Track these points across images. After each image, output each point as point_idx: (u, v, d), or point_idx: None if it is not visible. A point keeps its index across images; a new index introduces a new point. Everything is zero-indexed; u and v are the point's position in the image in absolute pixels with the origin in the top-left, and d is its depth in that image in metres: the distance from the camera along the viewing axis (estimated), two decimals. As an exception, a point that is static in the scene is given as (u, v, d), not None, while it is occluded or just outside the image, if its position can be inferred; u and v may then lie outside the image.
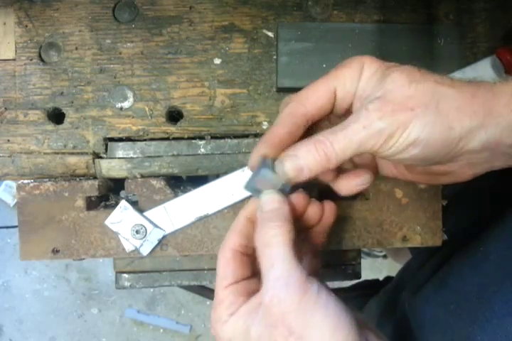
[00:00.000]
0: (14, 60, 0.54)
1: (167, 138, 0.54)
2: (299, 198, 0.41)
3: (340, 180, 0.42)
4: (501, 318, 0.45)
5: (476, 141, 0.35)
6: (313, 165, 0.36)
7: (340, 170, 0.42)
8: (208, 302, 1.71)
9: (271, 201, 0.39)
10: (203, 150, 0.54)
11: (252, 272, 0.40)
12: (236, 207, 0.52)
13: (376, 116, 0.34)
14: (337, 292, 0.40)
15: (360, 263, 0.59)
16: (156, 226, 0.51)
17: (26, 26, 0.54)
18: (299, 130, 0.39)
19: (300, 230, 0.42)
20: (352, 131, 0.35)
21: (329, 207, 0.43)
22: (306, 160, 0.36)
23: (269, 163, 0.39)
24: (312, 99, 0.38)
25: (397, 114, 0.34)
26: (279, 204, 0.38)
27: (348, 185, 0.41)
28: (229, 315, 0.37)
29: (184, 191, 0.53)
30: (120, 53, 0.54)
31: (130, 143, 0.54)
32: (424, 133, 0.34)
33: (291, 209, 0.39)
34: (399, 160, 0.37)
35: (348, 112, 0.40)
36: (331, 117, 0.42)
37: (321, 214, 0.42)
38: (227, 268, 0.39)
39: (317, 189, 0.52)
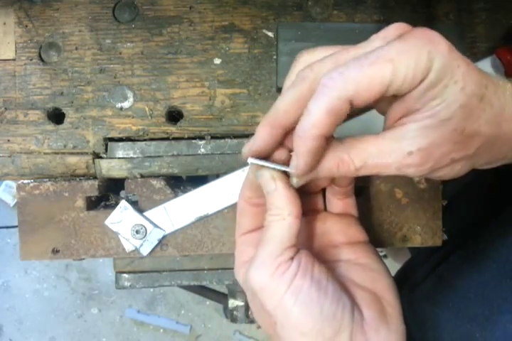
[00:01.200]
0: (14, 59, 0.55)
1: (167, 138, 0.54)
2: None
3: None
4: (500, 315, 0.45)
5: (494, 165, 0.36)
6: (328, 175, 0.35)
7: None
8: (208, 302, 1.72)
9: (266, 183, 0.37)
10: (203, 150, 0.54)
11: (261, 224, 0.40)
12: (236, 208, 0.52)
13: (415, 165, 0.32)
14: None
15: (360, 263, 0.59)
16: (156, 226, 0.51)
17: (26, 26, 0.54)
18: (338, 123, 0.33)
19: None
20: (385, 166, 0.32)
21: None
22: (323, 174, 0.34)
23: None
24: (362, 97, 0.30)
25: (435, 165, 0.32)
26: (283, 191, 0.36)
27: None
28: (242, 263, 0.40)
29: (184, 191, 0.53)
30: (120, 53, 0.54)
31: (130, 143, 0.54)
32: (451, 174, 0.34)
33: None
34: None
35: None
36: None
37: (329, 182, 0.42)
38: (240, 218, 0.41)
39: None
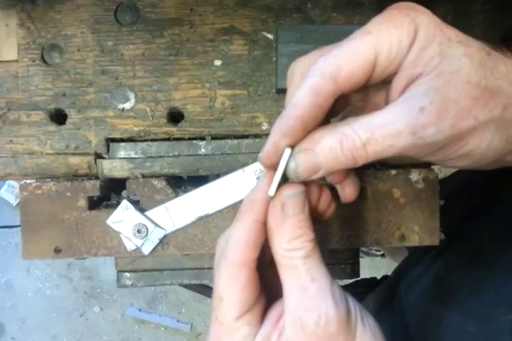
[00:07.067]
0: (17, 61, 0.55)
1: (168, 139, 0.55)
2: (323, 195, 0.34)
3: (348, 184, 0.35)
4: (493, 309, 0.45)
5: None
6: (334, 166, 0.28)
7: None
8: (209, 301, 1.72)
9: (296, 204, 0.30)
10: (203, 150, 0.54)
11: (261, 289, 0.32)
12: (236, 207, 0.53)
13: (431, 123, 0.26)
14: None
15: (358, 262, 0.59)
16: (157, 225, 0.52)
17: (28, 28, 0.55)
18: (324, 111, 0.29)
19: None
20: (397, 134, 0.26)
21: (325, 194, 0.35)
22: (326, 159, 0.28)
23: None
24: (346, 72, 0.28)
25: (456, 123, 0.27)
26: (304, 207, 0.31)
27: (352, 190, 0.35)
28: None
29: (185, 191, 0.53)
30: (122, 55, 0.55)
31: (132, 143, 0.55)
32: (480, 148, 0.28)
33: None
34: (439, 164, 0.31)
35: (388, 78, 0.30)
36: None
37: (330, 201, 0.35)
38: (240, 296, 0.29)
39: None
